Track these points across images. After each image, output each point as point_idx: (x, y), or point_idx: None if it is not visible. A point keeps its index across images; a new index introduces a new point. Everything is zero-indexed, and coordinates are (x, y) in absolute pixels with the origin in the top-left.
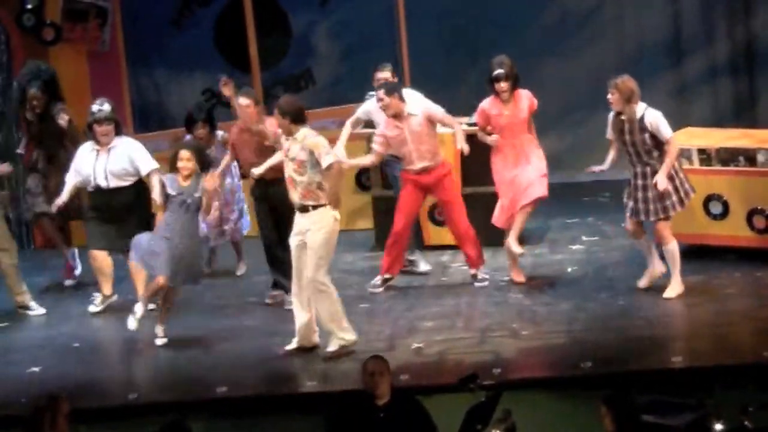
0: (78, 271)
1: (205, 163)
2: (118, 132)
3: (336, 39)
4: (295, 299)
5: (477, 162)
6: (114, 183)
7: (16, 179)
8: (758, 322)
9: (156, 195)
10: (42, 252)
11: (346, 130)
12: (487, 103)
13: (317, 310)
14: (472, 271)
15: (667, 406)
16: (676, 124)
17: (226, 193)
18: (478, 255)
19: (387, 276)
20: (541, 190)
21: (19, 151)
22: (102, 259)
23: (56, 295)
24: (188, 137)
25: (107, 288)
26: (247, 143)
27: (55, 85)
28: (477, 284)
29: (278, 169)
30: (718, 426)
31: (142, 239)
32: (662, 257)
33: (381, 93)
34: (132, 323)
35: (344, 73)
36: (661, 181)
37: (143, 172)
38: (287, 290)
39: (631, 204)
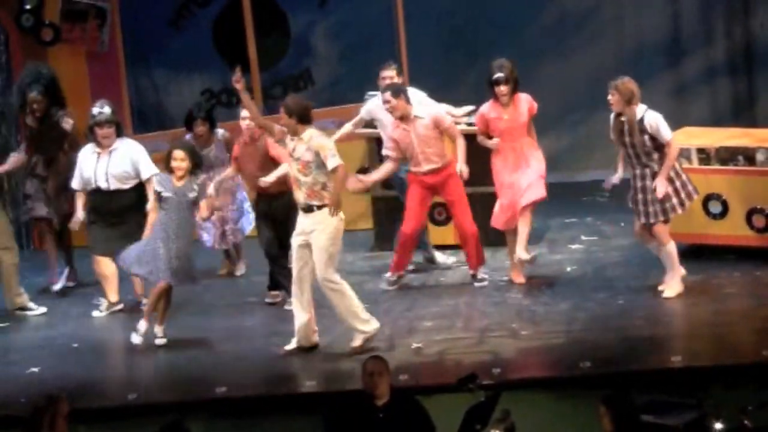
0: (57, 287)
1: (199, 164)
2: (119, 133)
3: (335, 39)
4: (295, 299)
5: (477, 162)
6: (115, 185)
7: (16, 181)
8: (757, 321)
9: (151, 202)
10: (41, 252)
11: (346, 129)
12: (486, 108)
13: (334, 308)
14: (472, 272)
15: (666, 405)
16: (675, 124)
17: (226, 194)
18: (478, 256)
19: (400, 273)
20: (539, 192)
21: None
22: (105, 264)
23: (55, 296)
24: (188, 136)
25: (113, 295)
26: (251, 157)
27: (56, 88)
28: (476, 284)
29: (282, 182)
30: (718, 425)
31: (131, 251)
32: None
33: (388, 95)
34: (136, 339)
35: (343, 74)
36: (660, 186)
37: (144, 177)
38: (289, 291)
39: (632, 206)
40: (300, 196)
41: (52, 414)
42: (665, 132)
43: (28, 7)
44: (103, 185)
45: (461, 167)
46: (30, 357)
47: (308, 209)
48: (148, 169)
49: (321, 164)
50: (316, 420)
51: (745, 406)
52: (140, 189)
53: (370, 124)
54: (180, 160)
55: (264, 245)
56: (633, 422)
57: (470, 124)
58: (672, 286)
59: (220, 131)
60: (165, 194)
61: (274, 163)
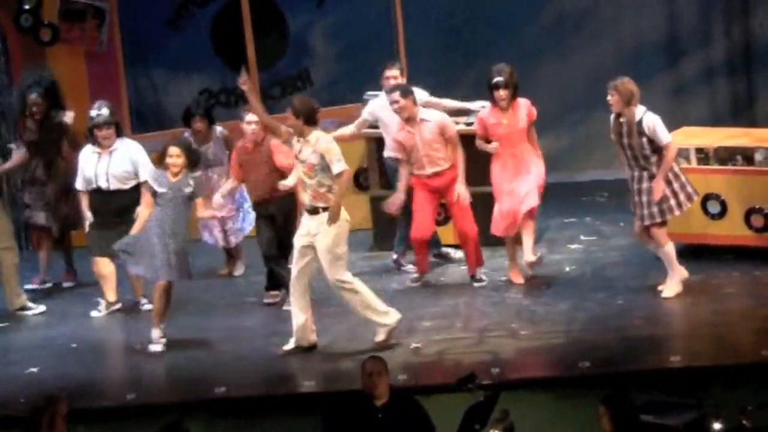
0: (31, 286)
1: (196, 161)
2: (119, 133)
3: (333, 39)
4: (293, 299)
5: (476, 162)
6: (115, 185)
7: (16, 181)
8: (757, 321)
9: (144, 198)
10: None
11: (348, 131)
12: (485, 113)
13: (350, 307)
14: (471, 272)
15: (665, 405)
16: (674, 124)
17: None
18: (478, 256)
19: (425, 271)
20: (533, 200)
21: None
22: (104, 265)
23: (55, 296)
24: (187, 133)
25: (111, 295)
26: (255, 164)
27: (56, 91)
28: (475, 284)
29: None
30: (717, 425)
31: (126, 245)
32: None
33: (396, 95)
34: (156, 347)
35: (342, 74)
36: (657, 189)
37: (142, 178)
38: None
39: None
40: (305, 197)
41: (51, 414)
42: (663, 134)
43: (26, 7)
44: (103, 185)
45: (460, 190)
46: (29, 357)
47: (313, 211)
48: (147, 169)
49: (326, 167)
50: (315, 420)
51: (745, 406)
52: (140, 189)
53: (371, 124)
54: (175, 156)
55: (264, 245)
56: (632, 422)
57: (469, 124)
58: (671, 286)
59: (218, 128)
60: (160, 190)
61: (279, 172)
